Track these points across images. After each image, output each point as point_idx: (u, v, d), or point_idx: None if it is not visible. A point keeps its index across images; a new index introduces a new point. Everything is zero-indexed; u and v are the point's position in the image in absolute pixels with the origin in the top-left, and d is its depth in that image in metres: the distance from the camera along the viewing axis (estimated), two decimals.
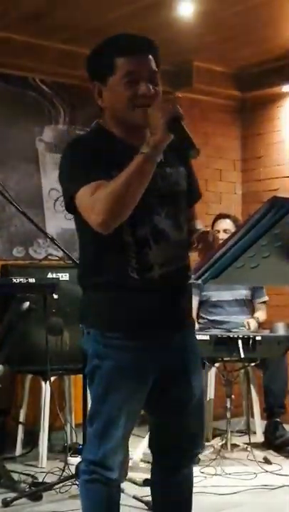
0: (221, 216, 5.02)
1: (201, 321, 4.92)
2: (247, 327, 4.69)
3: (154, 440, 2.44)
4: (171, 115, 2.10)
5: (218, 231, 4.76)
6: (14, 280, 3.83)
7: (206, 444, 4.58)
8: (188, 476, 2.47)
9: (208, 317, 4.92)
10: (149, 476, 3.63)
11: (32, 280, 3.84)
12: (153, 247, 2.21)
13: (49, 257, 4.69)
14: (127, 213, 2.12)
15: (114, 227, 2.13)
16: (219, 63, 5.44)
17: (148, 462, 4.08)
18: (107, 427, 2.24)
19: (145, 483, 3.78)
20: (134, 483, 3.71)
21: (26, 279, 3.83)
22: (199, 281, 1.95)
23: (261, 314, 4.93)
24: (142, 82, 2.19)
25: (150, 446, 2.45)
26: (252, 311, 4.98)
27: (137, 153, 2.11)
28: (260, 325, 4.84)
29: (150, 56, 2.23)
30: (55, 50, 4.86)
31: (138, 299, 2.21)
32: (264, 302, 5.02)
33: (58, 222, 5.03)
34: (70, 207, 2.26)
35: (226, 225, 4.88)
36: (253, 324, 4.74)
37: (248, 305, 5.00)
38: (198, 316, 4.94)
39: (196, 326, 4.76)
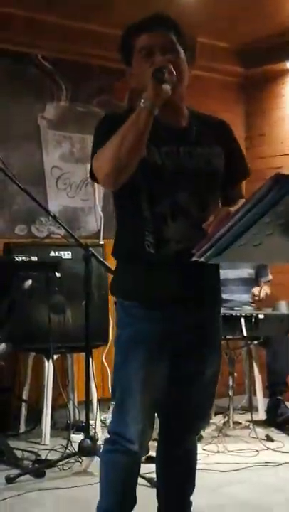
0: None
1: None
2: (257, 292, 4.65)
3: (164, 407, 2.45)
4: (155, 66, 2.18)
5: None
6: (17, 259, 3.83)
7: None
8: (191, 450, 2.52)
9: None
10: (152, 454, 3.65)
11: (34, 258, 3.84)
12: (170, 224, 2.25)
13: (51, 236, 4.68)
14: (127, 166, 2.16)
15: (121, 182, 2.19)
16: (222, 39, 5.39)
17: (151, 439, 4.10)
18: (124, 397, 2.30)
19: (148, 460, 3.80)
20: None
21: (29, 257, 3.83)
22: (202, 259, 1.95)
23: (267, 290, 4.93)
24: (156, 54, 2.25)
25: (158, 415, 2.48)
26: None
27: (166, 131, 2.24)
28: (263, 302, 4.84)
29: (164, 30, 2.29)
30: (57, 26, 4.81)
31: (154, 274, 2.27)
32: (268, 281, 5.01)
33: (60, 200, 5.02)
34: (93, 177, 2.32)
35: None
36: (261, 291, 4.70)
37: (252, 284, 4.99)
38: None
39: None
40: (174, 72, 2.17)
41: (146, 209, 2.25)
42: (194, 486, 2.55)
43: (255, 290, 4.72)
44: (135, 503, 2.43)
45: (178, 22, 2.35)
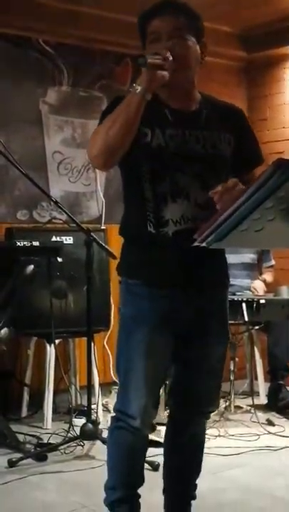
0: None
1: None
2: (255, 292, 4.68)
3: (173, 389, 2.52)
4: (147, 52, 2.24)
5: None
6: (18, 243, 3.83)
7: None
8: (199, 435, 2.58)
9: None
10: (154, 438, 3.68)
11: (36, 243, 3.84)
12: (169, 204, 2.29)
13: (53, 221, 4.68)
14: (115, 149, 2.20)
15: (110, 164, 2.28)
16: (225, 23, 5.35)
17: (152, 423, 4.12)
18: (126, 374, 2.35)
19: (150, 444, 3.82)
20: None
21: (30, 242, 3.83)
22: (203, 244, 1.95)
23: (268, 278, 4.93)
24: (162, 39, 2.29)
25: (169, 394, 2.55)
26: (259, 275, 4.98)
27: (173, 115, 2.30)
28: (266, 286, 4.85)
29: (173, 15, 2.32)
30: (58, 9, 4.77)
31: (155, 253, 2.31)
32: (271, 266, 5.02)
33: (62, 185, 5.01)
34: None
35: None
36: (261, 287, 4.73)
37: (254, 269, 5.00)
38: None
39: None
40: (170, 58, 2.19)
41: (148, 189, 2.29)
42: (200, 470, 2.60)
43: (252, 288, 4.72)
44: (142, 482, 2.47)
45: (190, 6, 2.39)
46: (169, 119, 2.31)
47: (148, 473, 2.75)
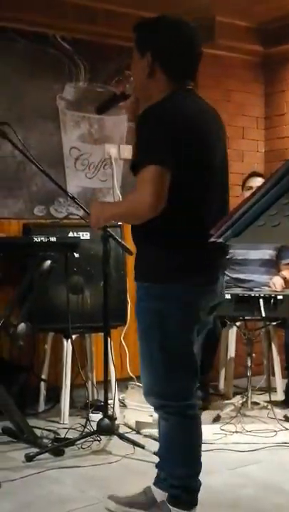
0: (254, 174, 5.02)
1: None
2: (273, 288, 4.66)
3: None
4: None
5: (251, 187, 4.77)
6: (35, 239, 3.84)
7: (227, 401, 4.63)
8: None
9: (231, 275, 4.89)
10: None
11: (53, 239, 3.85)
12: None
13: (70, 216, 4.69)
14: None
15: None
16: (242, 18, 5.32)
17: None
18: None
19: None
20: (156, 439, 3.74)
21: (47, 238, 3.84)
22: (220, 240, 1.95)
23: (287, 275, 4.91)
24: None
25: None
26: (277, 272, 4.95)
27: None
28: (286, 283, 4.83)
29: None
30: (76, 6, 4.78)
31: None
32: None
33: (79, 181, 5.02)
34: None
35: (258, 183, 4.85)
36: (279, 284, 4.71)
37: (273, 265, 4.97)
38: None
39: None
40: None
41: None
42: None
43: (271, 284, 4.71)
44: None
45: (146, 21, 2.69)
46: None
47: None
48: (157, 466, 2.78)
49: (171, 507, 2.64)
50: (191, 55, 2.64)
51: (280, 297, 4.26)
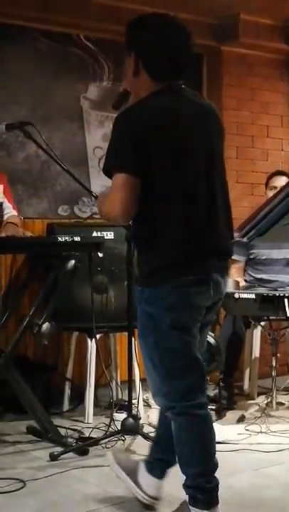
0: (278, 173, 4.98)
1: (247, 278, 4.88)
2: None
3: None
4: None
5: (275, 187, 4.73)
6: (60, 239, 3.85)
7: (252, 402, 4.61)
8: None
9: (255, 275, 4.88)
10: None
11: (77, 238, 3.85)
12: None
13: (94, 216, 4.69)
14: None
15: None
16: (266, 16, 5.29)
17: None
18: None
19: None
20: None
21: (71, 237, 3.84)
22: (245, 239, 1.95)
23: None
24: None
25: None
26: None
27: None
28: None
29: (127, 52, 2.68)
30: (99, 5, 4.79)
31: None
32: None
33: (103, 180, 5.00)
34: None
35: (283, 182, 4.82)
36: None
37: None
38: (245, 274, 4.91)
39: (243, 283, 4.72)
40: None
41: None
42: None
43: None
44: None
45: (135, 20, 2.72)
46: None
47: None
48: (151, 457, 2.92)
49: (190, 507, 2.64)
50: (175, 55, 2.61)
51: None
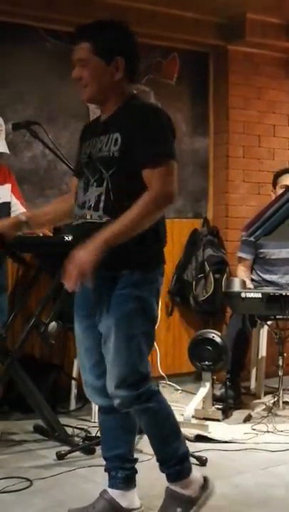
0: (286, 171, 4.90)
1: (255, 278, 4.84)
2: None
3: None
4: None
5: (287, 185, 4.64)
6: (66, 238, 3.85)
7: (258, 401, 4.60)
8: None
9: (263, 275, 4.86)
10: (202, 433, 3.67)
11: None
12: (75, 205, 2.74)
13: None
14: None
15: None
16: (273, 15, 5.28)
17: (200, 418, 4.12)
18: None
19: (197, 438, 3.82)
20: (187, 439, 3.74)
21: None
22: (251, 239, 1.95)
23: None
24: (76, 66, 2.75)
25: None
26: None
27: (97, 125, 2.71)
28: None
29: (78, 45, 2.71)
30: (106, 5, 4.79)
31: None
32: None
33: None
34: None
35: None
36: None
37: None
38: (253, 273, 4.88)
39: (250, 285, 4.71)
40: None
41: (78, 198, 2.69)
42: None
43: None
44: None
45: (100, 26, 2.73)
46: (90, 131, 2.73)
47: (195, 468, 2.76)
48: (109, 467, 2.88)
49: (175, 485, 2.71)
50: (140, 59, 2.79)
51: None
